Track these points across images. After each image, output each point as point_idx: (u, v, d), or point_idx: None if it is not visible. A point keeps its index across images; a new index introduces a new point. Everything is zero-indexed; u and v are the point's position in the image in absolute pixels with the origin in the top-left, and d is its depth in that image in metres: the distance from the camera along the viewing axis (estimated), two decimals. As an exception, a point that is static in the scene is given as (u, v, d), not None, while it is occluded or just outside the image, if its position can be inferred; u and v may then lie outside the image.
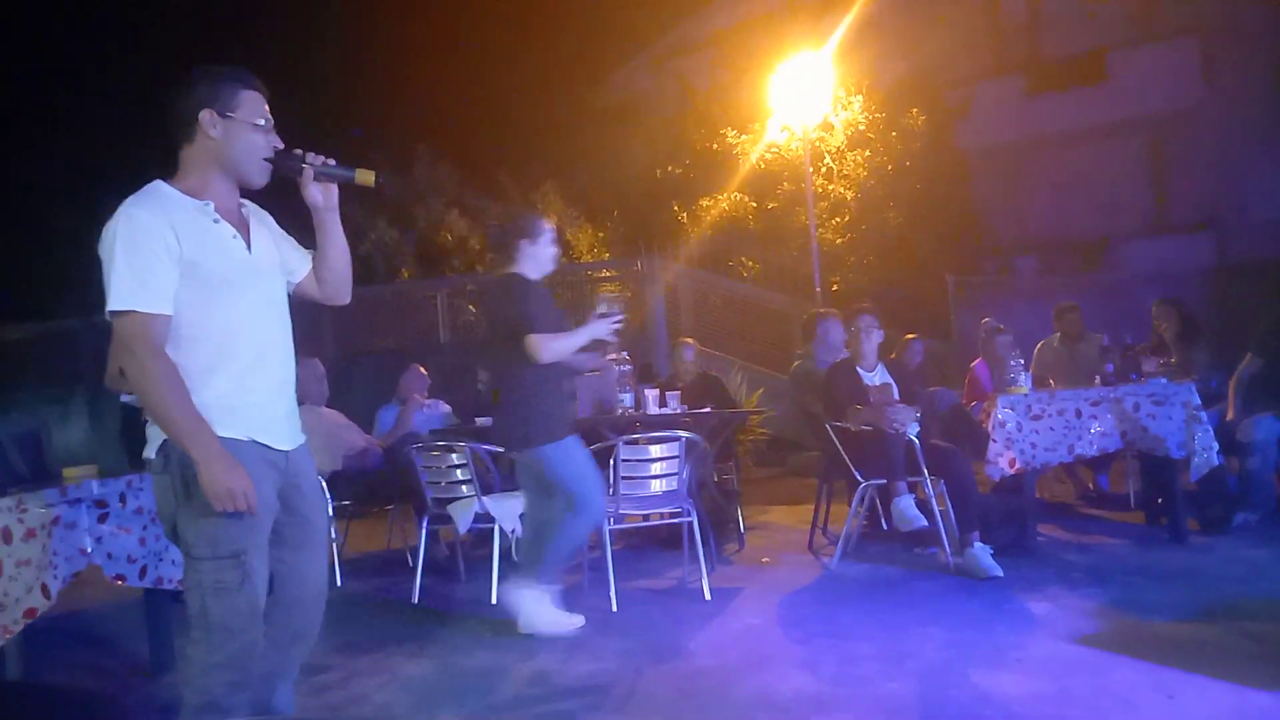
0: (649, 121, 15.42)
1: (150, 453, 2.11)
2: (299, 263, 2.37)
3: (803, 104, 11.49)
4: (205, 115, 2.12)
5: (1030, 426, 4.90)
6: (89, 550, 3.19)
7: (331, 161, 2.26)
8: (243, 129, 2.14)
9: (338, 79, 18.71)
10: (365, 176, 2.28)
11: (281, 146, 2.22)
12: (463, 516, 4.57)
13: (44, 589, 2.95)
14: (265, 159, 2.19)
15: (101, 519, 3.23)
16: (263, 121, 2.17)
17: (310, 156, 2.24)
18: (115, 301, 2.00)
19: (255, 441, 2.13)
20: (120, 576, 3.28)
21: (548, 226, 3.92)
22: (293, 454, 2.24)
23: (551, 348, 3.68)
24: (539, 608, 3.84)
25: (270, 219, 2.33)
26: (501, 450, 4.10)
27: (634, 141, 15.00)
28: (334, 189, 2.30)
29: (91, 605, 4.83)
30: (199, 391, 2.05)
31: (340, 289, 2.43)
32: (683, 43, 17.37)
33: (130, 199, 2.07)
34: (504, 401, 3.84)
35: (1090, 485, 6.45)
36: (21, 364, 11.65)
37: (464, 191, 16.07)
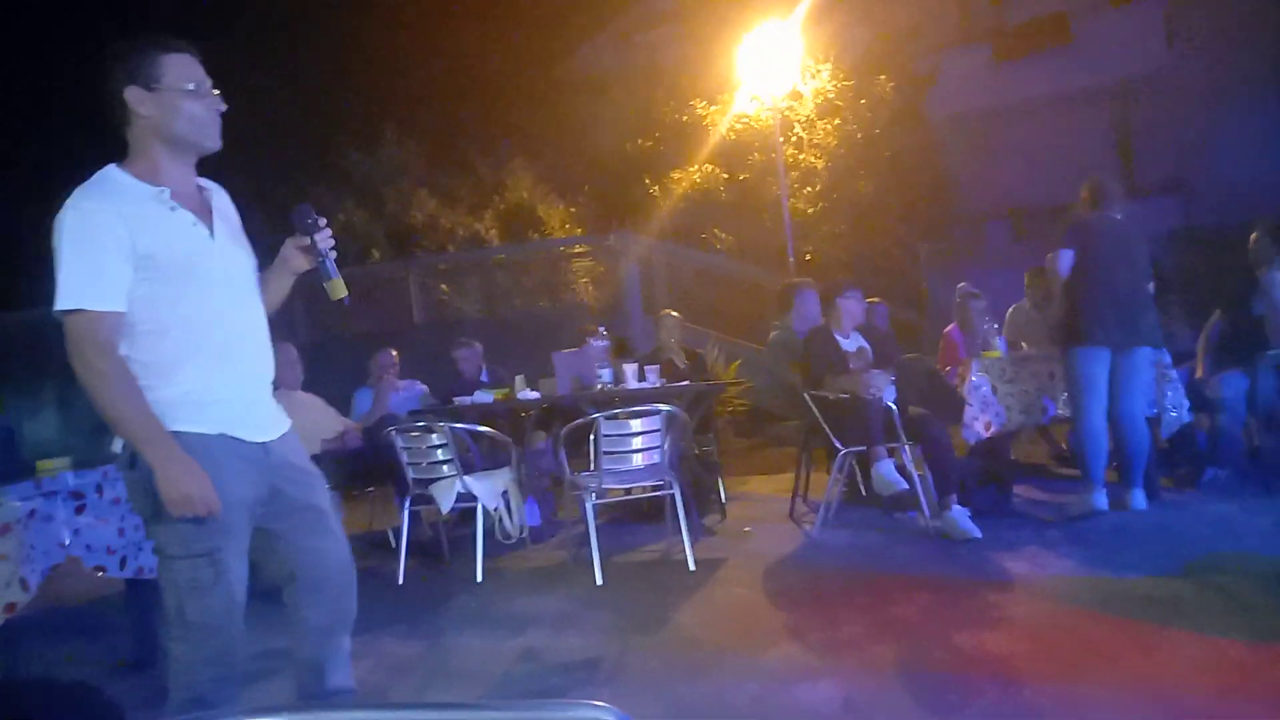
0: (618, 96, 15.30)
1: (117, 447, 2.04)
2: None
3: (771, 73, 11.44)
4: (130, 93, 1.99)
5: (1005, 389, 4.95)
6: (67, 543, 3.15)
7: (333, 254, 2.19)
8: (174, 98, 2.00)
9: (304, 59, 18.38)
10: (338, 288, 2.20)
11: (224, 107, 2.09)
12: (445, 496, 4.57)
13: (23, 583, 2.92)
14: (211, 124, 2.06)
15: (79, 510, 3.20)
16: (193, 85, 2.02)
17: (322, 236, 2.16)
18: (63, 300, 1.90)
19: (227, 436, 2.04)
20: (100, 568, 3.25)
21: None
22: (273, 444, 2.15)
23: None
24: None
25: (229, 204, 2.21)
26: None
27: (603, 116, 14.90)
28: (307, 263, 2.22)
29: (72, 598, 4.78)
30: (164, 388, 1.97)
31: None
32: (649, 16, 17.23)
33: (79, 189, 1.96)
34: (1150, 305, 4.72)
35: (1064, 445, 6.55)
36: (-8, 355, 11.41)
37: (433, 170, 15.90)
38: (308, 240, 2.17)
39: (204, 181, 2.17)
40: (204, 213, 2.09)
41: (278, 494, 2.14)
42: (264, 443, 2.13)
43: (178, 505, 1.91)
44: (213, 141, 2.09)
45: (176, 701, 2.02)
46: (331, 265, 2.19)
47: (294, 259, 2.22)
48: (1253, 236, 5.06)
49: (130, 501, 2.08)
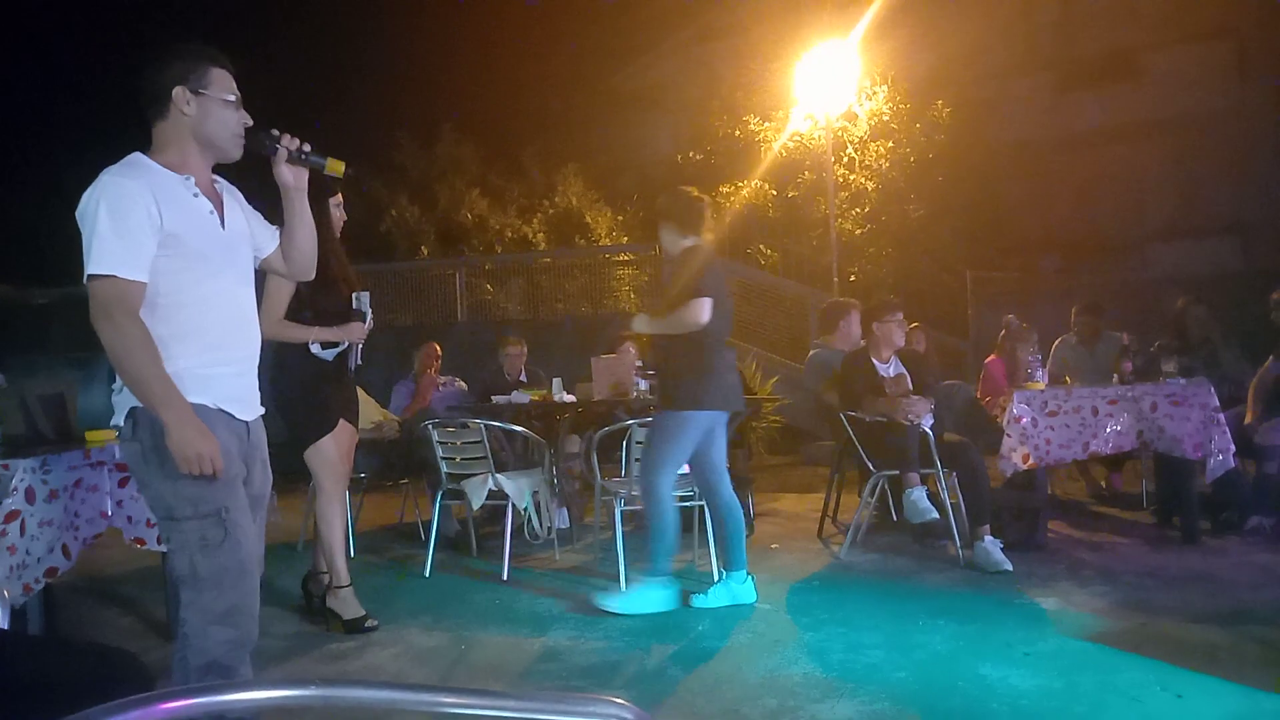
0: (672, 107, 15.38)
1: (118, 420, 2.17)
2: (267, 240, 2.44)
3: (827, 93, 11.42)
4: (178, 92, 2.16)
5: (1045, 423, 4.88)
6: (109, 513, 3.24)
7: (307, 147, 2.32)
8: (214, 104, 2.19)
9: (368, 53, 18.74)
10: (335, 166, 2.33)
11: (250, 123, 2.26)
12: (476, 493, 4.61)
13: (65, 549, 3.01)
14: (237, 134, 2.23)
15: (122, 483, 3.28)
16: (232, 97, 2.22)
17: (286, 139, 2.30)
18: (96, 265, 2.03)
19: (222, 410, 2.18)
20: (139, 540, 3.33)
21: None
22: (253, 424, 2.30)
23: None
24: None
25: (239, 195, 2.38)
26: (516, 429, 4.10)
27: (657, 127, 14.99)
28: (304, 172, 2.36)
29: (111, 567, 4.91)
30: (171, 360, 2.09)
31: (306, 266, 2.50)
32: (708, 29, 17.27)
33: (110, 167, 2.11)
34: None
35: (1103, 483, 6.43)
36: (46, 328, 11.76)
37: (487, 171, 16.08)
38: (281, 153, 2.30)
39: (219, 179, 2.34)
40: (218, 205, 2.25)
41: (249, 472, 2.28)
42: (247, 422, 2.28)
43: (190, 463, 2.03)
44: (236, 151, 2.26)
45: (192, 668, 2.09)
46: (316, 156, 2.33)
47: (286, 176, 2.34)
48: None
49: (134, 470, 2.20)
